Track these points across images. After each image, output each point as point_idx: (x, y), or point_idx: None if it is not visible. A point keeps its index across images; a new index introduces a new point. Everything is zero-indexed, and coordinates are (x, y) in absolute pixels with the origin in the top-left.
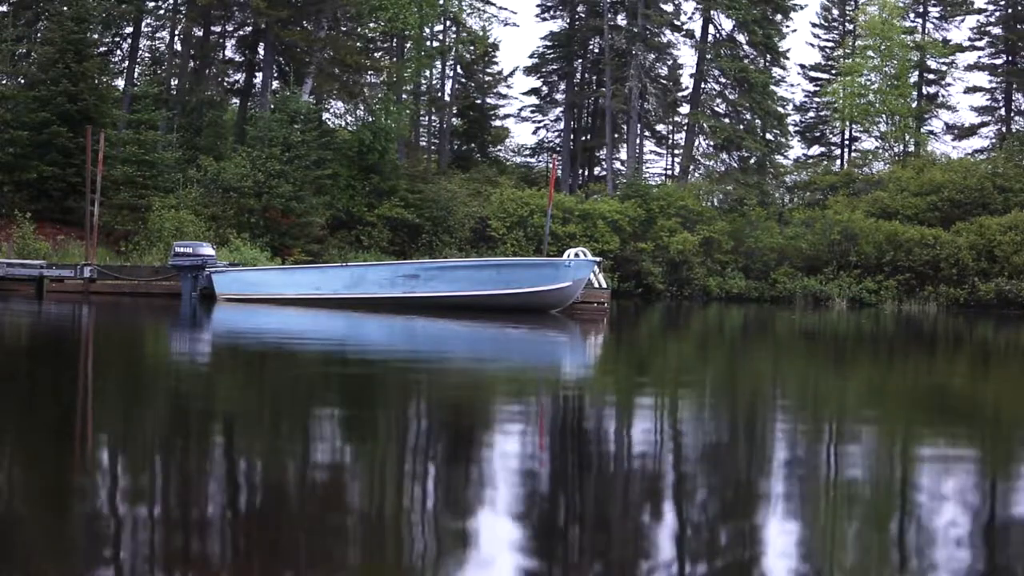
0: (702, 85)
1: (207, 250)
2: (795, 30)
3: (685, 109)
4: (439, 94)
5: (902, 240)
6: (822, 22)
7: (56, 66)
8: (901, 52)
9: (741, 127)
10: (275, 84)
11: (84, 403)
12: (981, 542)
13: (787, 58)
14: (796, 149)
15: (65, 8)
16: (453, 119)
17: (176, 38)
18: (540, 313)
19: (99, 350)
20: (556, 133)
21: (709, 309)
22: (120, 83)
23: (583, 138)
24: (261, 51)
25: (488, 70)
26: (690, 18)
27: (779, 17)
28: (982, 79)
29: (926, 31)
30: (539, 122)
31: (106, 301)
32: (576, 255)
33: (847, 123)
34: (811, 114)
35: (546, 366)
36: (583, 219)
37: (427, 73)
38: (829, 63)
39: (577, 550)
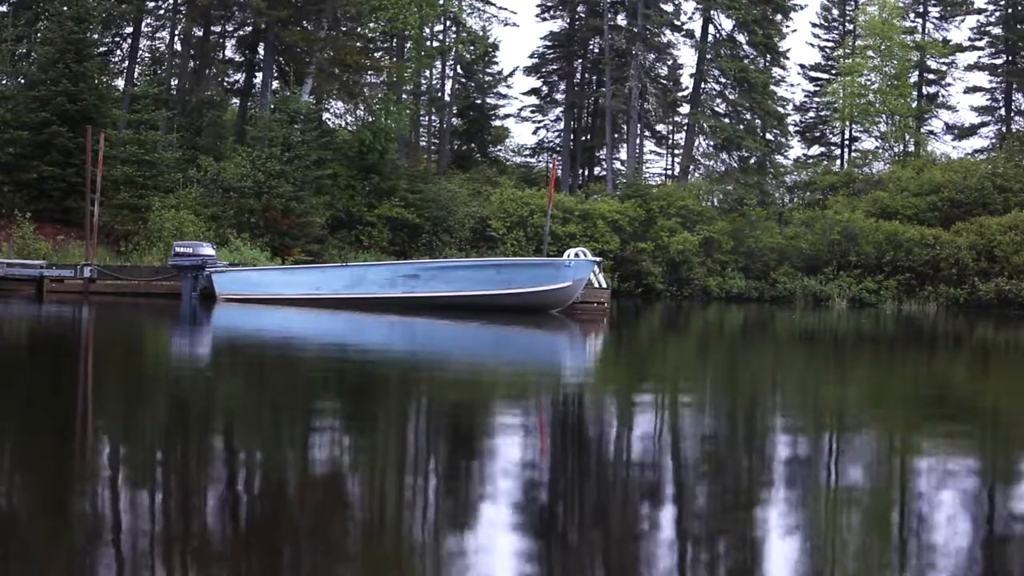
0: (702, 85)
1: (207, 250)
2: (795, 30)
3: (685, 109)
4: (439, 94)
5: (902, 240)
6: (822, 22)
7: (56, 66)
8: (901, 52)
9: (741, 127)
10: (275, 84)
11: (84, 406)
12: (982, 544)
13: (787, 58)
14: (796, 149)
15: (65, 8)
16: (453, 119)
17: (176, 38)
18: (540, 313)
19: (99, 352)
20: (556, 133)
21: (709, 309)
22: (120, 83)
23: (583, 138)
24: (261, 51)
25: (488, 70)
26: (690, 18)
27: (779, 17)
28: (982, 79)
29: (926, 31)
30: (539, 122)
31: (106, 301)
32: (576, 255)
33: (847, 123)
34: (811, 114)
35: (546, 366)
36: (583, 219)
37: (427, 73)
38: (829, 63)
39: (577, 551)
